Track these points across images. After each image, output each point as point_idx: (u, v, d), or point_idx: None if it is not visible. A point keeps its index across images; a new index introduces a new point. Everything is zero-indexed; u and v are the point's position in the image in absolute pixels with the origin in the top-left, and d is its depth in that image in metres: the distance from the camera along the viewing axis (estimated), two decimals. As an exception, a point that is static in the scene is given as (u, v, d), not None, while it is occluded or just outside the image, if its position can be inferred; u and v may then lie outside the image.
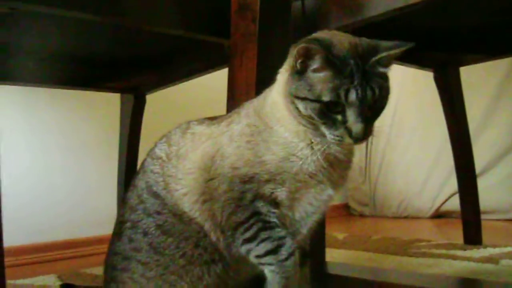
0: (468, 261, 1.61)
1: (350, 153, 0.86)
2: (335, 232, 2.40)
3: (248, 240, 0.83)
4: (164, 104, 2.33)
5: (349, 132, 0.77)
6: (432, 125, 2.83)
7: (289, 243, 0.82)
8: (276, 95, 0.85)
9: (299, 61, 0.79)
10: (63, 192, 2.20)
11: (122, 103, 1.98)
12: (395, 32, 1.44)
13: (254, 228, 0.82)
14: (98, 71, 1.76)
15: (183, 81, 1.83)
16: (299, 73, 0.79)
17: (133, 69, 1.78)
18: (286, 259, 0.82)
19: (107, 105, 2.25)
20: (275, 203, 0.83)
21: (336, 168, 0.85)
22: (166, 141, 0.95)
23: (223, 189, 0.85)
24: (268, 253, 0.82)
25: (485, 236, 1.90)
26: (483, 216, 1.93)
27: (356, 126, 0.76)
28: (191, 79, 1.79)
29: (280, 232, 0.83)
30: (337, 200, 3.24)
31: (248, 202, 0.83)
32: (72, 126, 2.26)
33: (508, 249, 1.77)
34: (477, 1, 1.17)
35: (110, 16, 1.19)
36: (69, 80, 1.77)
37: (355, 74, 0.76)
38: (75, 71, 1.72)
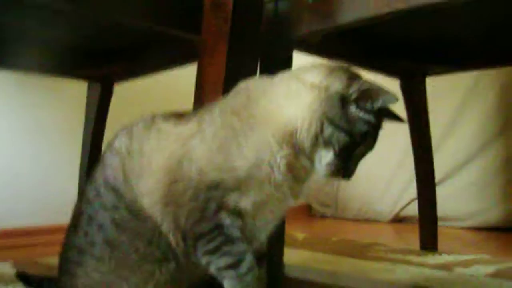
0: (423, 267, 1.64)
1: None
2: (295, 232, 2.42)
3: (209, 252, 0.84)
4: (132, 94, 2.30)
5: (346, 169, 0.83)
6: (395, 132, 2.86)
7: (249, 258, 0.83)
8: (285, 101, 0.85)
9: (361, 100, 0.81)
10: (22, 179, 2.15)
11: (89, 92, 1.95)
12: (364, 39, 1.47)
13: (217, 241, 0.83)
14: (66, 58, 1.73)
15: (152, 74, 1.81)
16: (345, 102, 0.82)
17: (102, 58, 1.76)
18: (246, 273, 0.83)
19: (73, 92, 2.21)
20: (239, 214, 0.84)
21: (300, 181, 0.88)
22: (127, 135, 0.93)
23: (189, 196, 0.84)
24: (228, 267, 0.83)
25: (442, 243, 1.95)
26: (441, 223, 1.98)
27: (354, 167, 0.84)
28: (160, 72, 1.78)
29: (241, 246, 0.84)
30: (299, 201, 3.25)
31: (212, 212, 0.83)
32: (36, 111, 2.21)
33: (463, 257, 1.81)
34: (445, 15, 1.19)
35: (78, 6, 1.17)
36: (37, 65, 1.74)
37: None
38: (43, 56, 1.69)
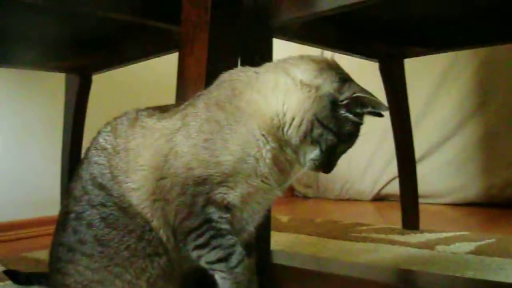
0: (406, 247, 1.67)
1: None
2: (280, 214, 2.44)
3: (199, 247, 0.85)
4: (111, 85, 2.28)
5: (328, 165, 0.87)
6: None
7: (238, 251, 0.85)
8: (272, 94, 0.86)
9: (352, 105, 0.84)
10: (3, 172, 2.13)
11: (67, 83, 1.93)
12: (343, 24, 1.48)
13: (206, 236, 0.84)
14: (43, 51, 1.70)
15: (131, 63, 1.79)
16: (336, 104, 0.84)
17: (80, 49, 1.73)
18: (236, 266, 0.84)
19: (52, 84, 2.18)
20: (227, 207, 0.85)
21: (285, 173, 0.89)
22: (112, 131, 0.93)
23: (177, 191, 0.85)
24: (219, 260, 0.84)
25: (423, 220, 1.98)
26: (421, 200, 2.01)
27: (335, 163, 0.88)
28: (139, 61, 1.76)
29: (231, 239, 0.85)
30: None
31: (200, 208, 0.84)
32: (15, 105, 2.18)
33: (444, 234, 1.85)
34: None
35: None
36: (13, 59, 1.71)
37: None
38: (20, 50, 1.66)
